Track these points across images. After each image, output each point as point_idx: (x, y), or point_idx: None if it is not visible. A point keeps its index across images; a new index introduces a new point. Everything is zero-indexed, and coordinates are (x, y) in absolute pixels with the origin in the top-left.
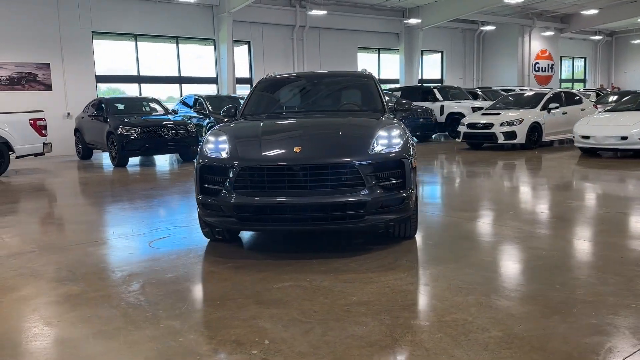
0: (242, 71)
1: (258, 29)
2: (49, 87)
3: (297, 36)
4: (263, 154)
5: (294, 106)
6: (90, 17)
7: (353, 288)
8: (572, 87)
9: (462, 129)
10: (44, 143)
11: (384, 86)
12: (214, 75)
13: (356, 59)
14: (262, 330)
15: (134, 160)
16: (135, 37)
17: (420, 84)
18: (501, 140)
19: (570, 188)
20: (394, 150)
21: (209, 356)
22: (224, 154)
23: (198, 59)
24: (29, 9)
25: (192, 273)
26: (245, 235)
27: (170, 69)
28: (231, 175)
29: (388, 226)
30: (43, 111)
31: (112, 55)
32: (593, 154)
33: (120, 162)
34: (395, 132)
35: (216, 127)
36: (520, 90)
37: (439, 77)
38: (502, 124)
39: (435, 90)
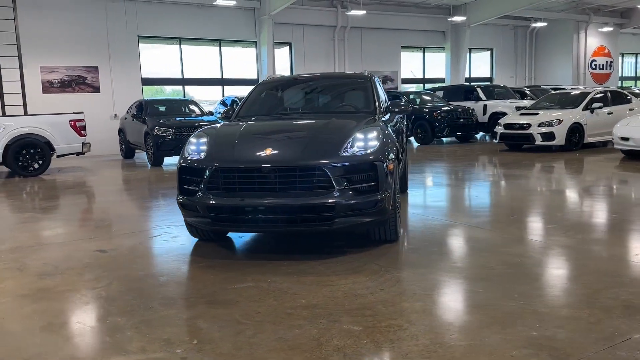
0: (283, 72)
1: (299, 30)
2: (97, 90)
3: (339, 37)
4: (235, 155)
5: (287, 108)
6: (136, 22)
7: (307, 291)
8: (636, 85)
9: (499, 129)
10: (83, 143)
11: (428, 85)
12: (256, 77)
13: (399, 58)
14: (197, 330)
15: (170, 160)
16: (180, 40)
17: (463, 83)
18: (539, 141)
19: (594, 193)
20: (367, 153)
21: (134, 353)
22: (202, 156)
23: (240, 61)
24: (80, 16)
25: (162, 271)
26: (236, 234)
27: (213, 71)
28: (205, 176)
29: (368, 229)
30: (82, 112)
31: (157, 58)
32: (636, 157)
33: (155, 161)
34: (372, 134)
35: (202, 129)
36: (572, 88)
37: (488, 75)
38: (540, 125)
39: (479, 89)
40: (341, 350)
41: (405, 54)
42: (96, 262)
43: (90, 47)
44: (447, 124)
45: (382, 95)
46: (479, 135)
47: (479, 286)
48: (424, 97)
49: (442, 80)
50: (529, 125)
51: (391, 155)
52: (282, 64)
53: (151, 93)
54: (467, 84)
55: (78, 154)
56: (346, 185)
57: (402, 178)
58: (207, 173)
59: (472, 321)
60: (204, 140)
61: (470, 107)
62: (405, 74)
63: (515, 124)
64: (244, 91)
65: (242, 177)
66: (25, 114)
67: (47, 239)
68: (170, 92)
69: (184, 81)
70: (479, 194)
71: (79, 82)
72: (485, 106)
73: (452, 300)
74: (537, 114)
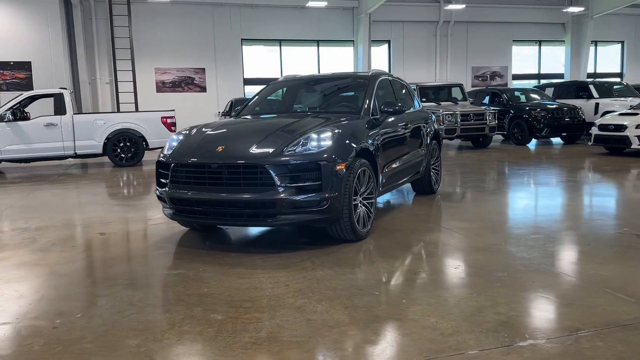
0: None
1: (398, 27)
2: (203, 89)
3: (441, 32)
4: (192, 152)
5: (281, 108)
6: (240, 26)
7: (220, 281)
8: None
9: (594, 130)
10: None
11: (544, 81)
12: None
13: (510, 52)
14: (91, 305)
15: None
16: (280, 42)
17: (575, 80)
18: (635, 145)
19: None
20: (311, 153)
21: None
22: (170, 152)
23: (338, 60)
24: (189, 22)
25: (125, 254)
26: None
27: (310, 70)
28: (169, 170)
29: (328, 228)
30: (174, 110)
31: (258, 59)
32: None
33: None
34: (326, 134)
35: (189, 126)
36: None
37: (617, 71)
38: (638, 126)
39: (591, 87)
40: (182, 335)
41: (517, 48)
42: (85, 240)
43: (198, 50)
44: (546, 123)
45: (377, 96)
46: (583, 136)
47: (376, 295)
48: (530, 94)
49: (560, 76)
50: (625, 127)
51: (351, 155)
52: (381, 62)
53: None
54: (580, 80)
55: None
56: (288, 183)
57: (423, 178)
58: (171, 168)
59: (342, 321)
60: (180, 137)
61: (578, 106)
62: (516, 69)
63: (610, 125)
64: None
65: (196, 172)
66: (137, 111)
67: (76, 221)
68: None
69: None
70: (511, 207)
71: (188, 82)
72: (597, 105)
73: (336, 305)
74: (637, 114)
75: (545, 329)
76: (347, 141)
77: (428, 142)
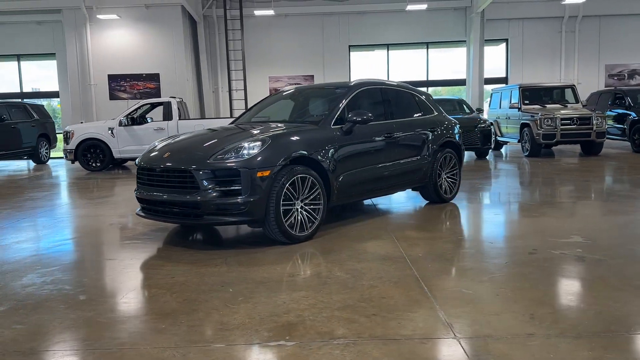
0: (499, 71)
1: (517, 25)
2: None
3: (567, 28)
4: (149, 157)
5: (265, 117)
6: (348, 33)
7: (175, 271)
8: None
9: None
10: None
11: None
12: (464, 77)
13: None
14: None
15: None
16: (387, 46)
17: None
18: None
19: None
20: (235, 160)
21: None
22: (141, 156)
23: (449, 61)
24: (300, 31)
25: (109, 243)
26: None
27: (418, 73)
28: (137, 172)
29: (263, 229)
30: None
31: (365, 65)
32: None
33: None
34: (255, 143)
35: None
36: None
37: None
38: None
39: None
40: (101, 318)
41: None
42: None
43: (308, 58)
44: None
45: (352, 106)
46: None
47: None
48: None
49: None
50: None
51: (279, 162)
52: (497, 62)
53: None
54: None
55: None
56: (212, 187)
57: (428, 187)
58: (137, 171)
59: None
60: (154, 144)
61: None
62: None
63: None
64: (451, 92)
65: (149, 175)
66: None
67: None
68: None
69: None
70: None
71: None
72: None
73: (184, 295)
74: None
75: None
76: (277, 150)
77: (434, 149)
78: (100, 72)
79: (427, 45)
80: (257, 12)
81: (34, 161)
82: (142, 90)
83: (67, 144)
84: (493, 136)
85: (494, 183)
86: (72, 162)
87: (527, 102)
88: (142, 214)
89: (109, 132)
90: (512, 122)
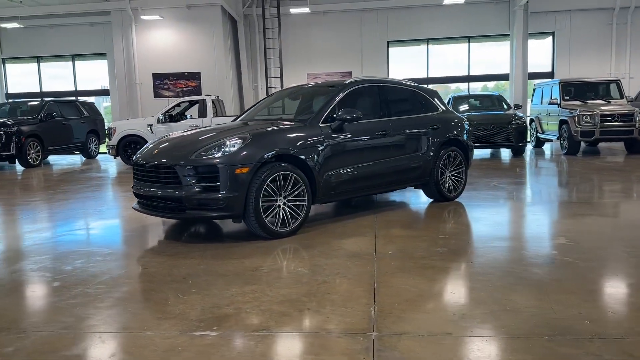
0: (545, 65)
1: (564, 17)
2: None
3: (619, 20)
4: (143, 153)
5: (263, 115)
6: (386, 29)
7: (146, 263)
8: None
9: None
10: None
11: None
12: (507, 72)
13: None
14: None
15: None
16: (427, 41)
17: None
18: None
19: None
20: (214, 157)
21: None
22: (138, 152)
23: (490, 56)
24: (338, 28)
25: (114, 234)
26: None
27: (458, 68)
28: (133, 169)
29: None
30: None
31: (403, 60)
32: None
33: None
34: (236, 141)
35: None
36: None
37: None
38: None
39: None
40: (52, 299)
41: None
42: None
43: (346, 55)
44: None
45: (344, 104)
46: None
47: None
48: None
49: None
50: None
51: (258, 160)
52: (542, 56)
53: None
54: None
55: None
56: (193, 183)
57: (429, 185)
58: (133, 166)
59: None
60: (151, 142)
61: None
62: None
63: None
64: (491, 87)
65: (141, 171)
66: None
67: None
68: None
69: (428, 81)
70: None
71: None
72: None
73: (141, 284)
74: None
75: None
76: (257, 147)
77: (435, 147)
78: (145, 71)
79: (469, 39)
80: (293, 10)
81: (84, 156)
82: (184, 88)
83: (110, 139)
84: (535, 133)
85: (512, 182)
86: (114, 157)
87: (567, 97)
88: (137, 208)
89: (148, 128)
90: (552, 119)
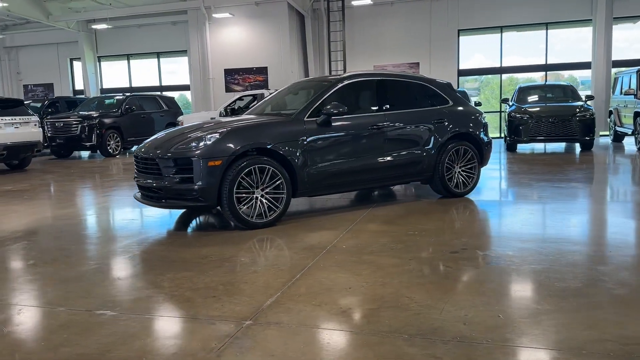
0: (633, 52)
1: None
2: None
3: None
4: (141, 146)
5: (263, 109)
6: (457, 17)
7: (125, 249)
8: None
9: None
10: None
11: None
12: (589, 60)
13: None
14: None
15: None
16: (501, 28)
17: None
18: None
19: None
20: (189, 150)
21: None
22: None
23: (571, 43)
24: (407, 18)
25: (119, 220)
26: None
27: (537, 56)
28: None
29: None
30: None
31: (475, 49)
32: None
33: None
34: (214, 135)
35: None
36: None
37: None
38: None
39: None
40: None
41: None
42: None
43: (414, 45)
44: None
45: (333, 98)
46: None
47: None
48: None
49: None
50: None
51: (231, 153)
52: (629, 43)
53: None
54: None
55: None
56: (171, 174)
57: (433, 180)
58: (134, 159)
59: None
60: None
61: None
62: None
63: None
64: (574, 76)
65: (137, 163)
66: None
67: None
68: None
69: (501, 70)
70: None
71: None
72: None
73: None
74: None
75: None
76: (231, 141)
77: (440, 141)
78: (217, 67)
79: (547, 25)
80: (355, 3)
81: None
82: (253, 82)
83: None
84: (613, 126)
85: (546, 179)
86: None
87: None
88: (137, 197)
89: None
90: (629, 111)
